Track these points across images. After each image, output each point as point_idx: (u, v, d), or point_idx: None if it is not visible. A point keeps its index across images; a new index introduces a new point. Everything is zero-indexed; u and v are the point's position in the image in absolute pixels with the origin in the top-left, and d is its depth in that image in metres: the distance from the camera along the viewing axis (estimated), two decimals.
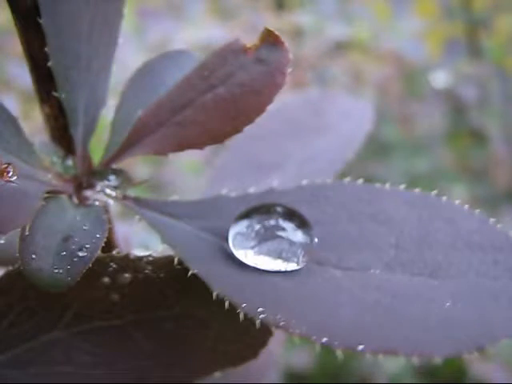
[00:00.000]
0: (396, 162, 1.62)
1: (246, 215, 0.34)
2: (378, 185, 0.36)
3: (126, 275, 0.33)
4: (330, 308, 0.29)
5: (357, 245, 0.33)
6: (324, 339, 0.27)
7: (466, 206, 0.34)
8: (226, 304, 0.29)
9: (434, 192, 0.35)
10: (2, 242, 0.28)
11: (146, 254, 0.34)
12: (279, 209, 0.34)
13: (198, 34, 1.51)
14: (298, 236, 0.33)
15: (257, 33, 0.32)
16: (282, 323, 0.28)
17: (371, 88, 1.76)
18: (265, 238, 0.33)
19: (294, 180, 0.47)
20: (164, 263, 0.33)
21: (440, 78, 1.78)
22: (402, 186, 0.36)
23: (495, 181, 1.65)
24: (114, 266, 0.33)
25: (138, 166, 1.42)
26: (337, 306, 0.30)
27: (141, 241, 0.54)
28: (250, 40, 0.33)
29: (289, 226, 0.33)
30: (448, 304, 0.30)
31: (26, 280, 0.30)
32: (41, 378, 0.34)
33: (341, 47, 1.75)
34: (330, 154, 0.48)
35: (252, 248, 0.32)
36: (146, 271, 0.33)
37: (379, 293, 0.30)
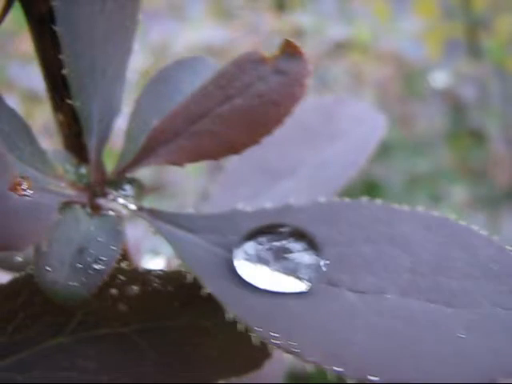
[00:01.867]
0: (396, 162, 1.62)
1: (253, 235, 0.33)
2: (395, 205, 0.35)
3: (134, 287, 0.33)
4: (345, 334, 0.29)
5: (372, 267, 0.32)
6: (338, 368, 0.26)
7: (485, 233, 0.33)
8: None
9: (454, 216, 0.34)
10: (20, 259, 0.28)
11: (156, 267, 0.34)
12: (287, 229, 0.33)
13: (199, 35, 1.51)
14: (306, 258, 0.32)
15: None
16: (295, 350, 0.27)
17: (371, 88, 1.76)
18: (273, 259, 0.32)
19: (305, 186, 0.47)
20: (173, 277, 0.33)
21: (440, 78, 1.78)
22: (421, 208, 0.35)
23: (495, 180, 1.65)
24: (123, 278, 0.33)
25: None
26: (351, 332, 0.29)
27: (150, 246, 0.54)
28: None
29: (297, 247, 0.33)
30: (462, 334, 0.29)
31: (32, 286, 0.30)
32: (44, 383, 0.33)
33: (341, 47, 1.75)
34: (343, 160, 0.48)
35: (260, 270, 0.32)
36: (155, 284, 0.33)
37: (394, 319, 0.30)
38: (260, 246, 0.33)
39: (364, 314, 0.30)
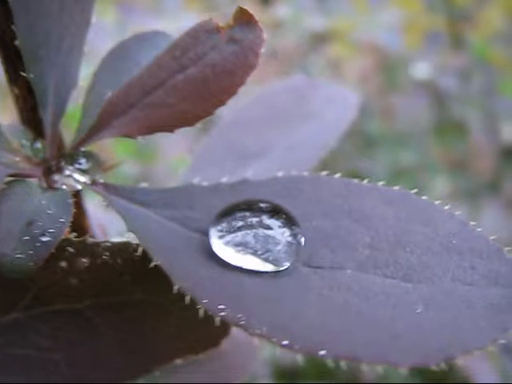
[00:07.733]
0: (380, 154, 1.61)
1: (229, 212, 0.32)
2: (355, 180, 0.34)
3: (84, 260, 0.32)
4: (295, 308, 0.28)
5: (330, 242, 0.32)
6: (285, 342, 0.26)
7: (447, 207, 0.33)
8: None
9: (415, 190, 0.33)
10: None
11: (104, 239, 0.33)
12: (263, 205, 0.32)
13: (177, 26, 1.50)
14: (284, 235, 0.31)
15: None
16: (242, 322, 0.26)
17: (352, 80, 1.75)
18: (248, 236, 0.31)
19: (276, 167, 0.46)
20: (121, 249, 0.32)
21: (422, 70, 1.78)
22: (381, 183, 0.34)
23: (477, 172, 1.65)
24: (71, 250, 0.32)
25: (128, 163, 1.40)
26: (302, 306, 0.28)
27: (119, 228, 0.53)
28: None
29: (274, 223, 0.32)
30: (419, 309, 0.28)
31: None
32: None
33: (321, 39, 1.74)
34: (314, 141, 0.47)
35: (233, 245, 0.31)
36: (104, 257, 0.32)
37: (349, 294, 0.29)
38: (235, 223, 0.32)
39: (318, 288, 0.29)
